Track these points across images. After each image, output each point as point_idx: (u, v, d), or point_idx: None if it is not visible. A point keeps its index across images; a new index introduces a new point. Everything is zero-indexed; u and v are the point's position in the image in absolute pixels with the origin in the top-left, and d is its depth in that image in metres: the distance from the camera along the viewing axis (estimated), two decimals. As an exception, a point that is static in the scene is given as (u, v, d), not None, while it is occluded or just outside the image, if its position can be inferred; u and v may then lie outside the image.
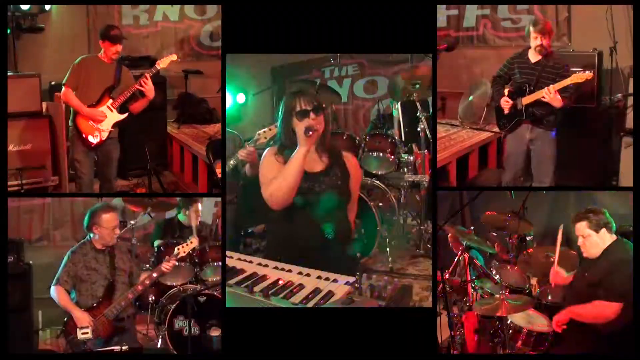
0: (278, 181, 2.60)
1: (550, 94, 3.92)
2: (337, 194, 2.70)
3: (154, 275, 3.52)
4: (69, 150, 4.39)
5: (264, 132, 2.98)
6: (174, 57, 4.31)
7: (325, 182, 2.70)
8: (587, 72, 3.90)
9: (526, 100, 4.10)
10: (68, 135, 4.38)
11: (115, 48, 4.18)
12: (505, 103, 4.20)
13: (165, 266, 3.53)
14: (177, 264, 3.60)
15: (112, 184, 4.44)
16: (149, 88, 4.18)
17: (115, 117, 4.23)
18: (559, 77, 4.00)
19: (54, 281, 3.47)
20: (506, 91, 4.23)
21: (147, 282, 3.51)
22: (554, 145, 4.18)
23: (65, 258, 3.51)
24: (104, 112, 4.21)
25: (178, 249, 3.60)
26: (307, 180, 2.66)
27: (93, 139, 4.22)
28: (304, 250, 2.64)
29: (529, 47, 4.14)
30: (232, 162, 3.66)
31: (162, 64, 4.24)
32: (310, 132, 2.57)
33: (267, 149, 2.82)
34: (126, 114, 4.27)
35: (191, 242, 3.65)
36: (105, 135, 4.23)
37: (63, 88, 4.21)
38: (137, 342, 3.76)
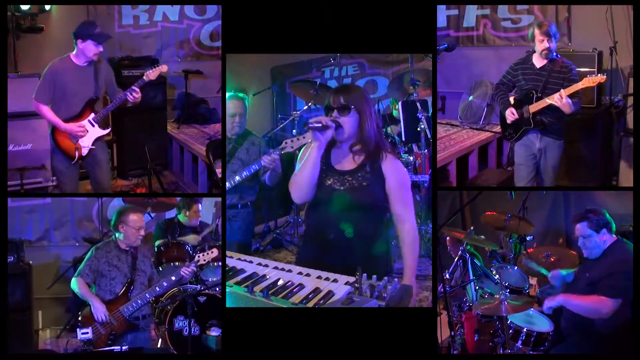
0: (295, 175, 2.64)
1: (562, 99, 3.75)
2: (361, 195, 2.60)
3: (173, 278, 3.59)
4: (51, 158, 4.09)
5: (292, 140, 2.95)
6: (165, 68, 4.01)
7: (349, 182, 2.62)
8: (599, 75, 3.77)
9: (534, 108, 3.92)
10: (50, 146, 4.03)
11: (97, 49, 3.78)
12: (511, 115, 4.02)
13: (185, 271, 3.60)
14: (195, 270, 3.71)
15: (106, 187, 4.19)
16: (138, 99, 3.89)
17: (97, 132, 3.93)
18: (566, 81, 3.85)
19: (76, 273, 3.56)
20: (512, 99, 4.08)
21: (165, 283, 3.58)
22: (562, 154, 4.07)
23: (89, 253, 3.60)
24: (84, 127, 3.88)
25: (199, 256, 3.69)
26: (332, 177, 2.63)
27: (74, 155, 3.92)
28: (326, 248, 2.61)
29: (533, 52, 4.00)
30: (254, 166, 3.68)
31: (151, 76, 3.92)
32: (310, 125, 2.50)
33: (306, 145, 2.77)
34: (109, 129, 4.02)
35: (212, 252, 3.72)
36: (86, 151, 3.92)
37: (33, 102, 3.82)
38: (153, 345, 3.85)
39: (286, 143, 3.02)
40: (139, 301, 3.52)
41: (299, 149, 2.86)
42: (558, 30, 4.09)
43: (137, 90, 3.86)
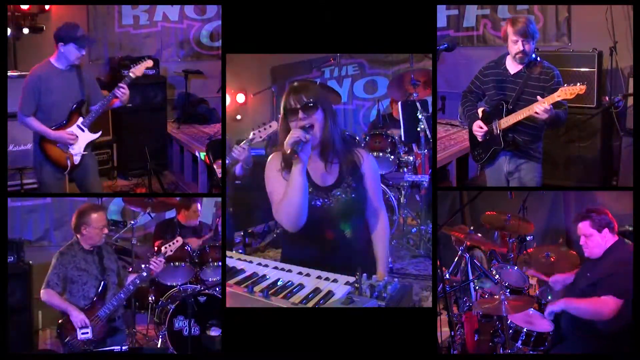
0: (285, 206, 2.37)
1: (547, 112, 3.10)
2: (354, 207, 2.49)
3: (144, 274, 3.48)
4: (35, 170, 3.89)
5: (259, 131, 2.88)
6: (150, 63, 3.86)
7: (338, 197, 2.46)
8: (578, 84, 3.10)
9: (505, 122, 3.29)
10: (34, 159, 3.83)
11: (80, 54, 3.63)
12: (479, 130, 3.40)
13: (154, 265, 3.48)
14: (164, 262, 3.55)
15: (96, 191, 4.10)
16: (126, 96, 3.76)
17: (87, 137, 3.76)
18: (548, 91, 3.21)
19: (44, 284, 3.37)
20: (480, 112, 3.47)
21: (137, 281, 3.47)
22: (539, 180, 3.42)
23: (54, 260, 3.42)
24: (74, 134, 3.72)
25: (165, 247, 3.60)
26: (319, 197, 2.46)
27: (64, 165, 3.75)
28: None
29: (507, 54, 3.40)
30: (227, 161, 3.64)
31: (137, 72, 3.79)
32: (297, 147, 2.26)
33: (269, 158, 2.55)
34: (99, 133, 3.84)
35: (176, 241, 3.65)
36: (77, 159, 3.76)
37: (18, 115, 3.66)
38: (132, 342, 3.77)
39: (254, 134, 2.97)
40: (115, 302, 3.38)
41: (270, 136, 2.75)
42: (556, 30, 3.84)
43: (124, 86, 3.72)
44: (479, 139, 3.46)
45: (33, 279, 4.32)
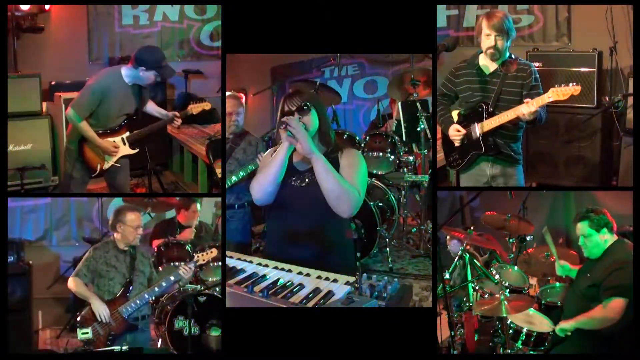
0: (259, 175, 2.61)
1: (532, 114, 2.96)
2: (318, 190, 2.54)
3: (172, 279, 3.56)
4: (66, 164, 3.95)
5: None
6: (208, 106, 4.06)
7: (309, 178, 2.59)
8: (571, 85, 2.96)
9: (487, 125, 3.15)
10: (66, 155, 3.93)
11: (155, 79, 3.73)
12: (456, 133, 3.25)
13: (183, 271, 3.57)
14: (194, 269, 3.65)
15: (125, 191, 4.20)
16: (178, 126, 4.01)
17: (126, 150, 3.91)
18: (526, 88, 3.11)
19: (73, 273, 3.51)
20: (455, 115, 3.33)
21: (164, 284, 3.54)
22: (523, 181, 3.34)
23: (87, 253, 3.56)
24: (117, 145, 3.84)
25: (197, 256, 3.69)
26: (293, 176, 2.62)
27: (94, 168, 3.87)
28: (299, 248, 2.59)
29: (480, 53, 3.25)
30: (250, 167, 3.69)
31: (194, 110, 4.00)
32: (283, 126, 2.46)
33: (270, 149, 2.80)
34: (136, 150, 3.94)
35: (212, 252, 3.72)
36: (107, 166, 3.89)
37: (72, 113, 3.67)
38: (152, 345, 3.85)
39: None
40: (138, 301, 3.49)
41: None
42: (556, 30, 3.73)
43: (180, 119, 3.91)
44: (456, 143, 3.31)
45: (33, 279, 4.33)
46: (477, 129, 3.19)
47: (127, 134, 3.88)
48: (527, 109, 3.00)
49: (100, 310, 3.40)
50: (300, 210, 2.60)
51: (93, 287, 3.49)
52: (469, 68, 3.30)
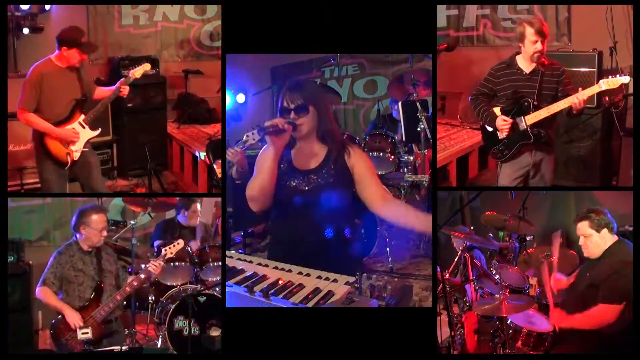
0: (253, 181, 2.56)
1: (581, 105, 3.35)
2: (330, 191, 2.56)
3: (142, 276, 3.47)
4: (37, 167, 3.95)
5: (252, 133, 2.90)
6: (148, 66, 4.06)
7: (315, 181, 2.56)
8: (618, 76, 3.39)
9: (535, 117, 3.48)
10: (35, 161, 3.92)
11: (82, 57, 3.73)
12: (504, 123, 3.55)
13: (152, 267, 3.47)
14: (164, 264, 3.54)
15: (100, 191, 4.18)
16: (126, 93, 3.94)
17: (87, 134, 3.85)
18: (560, 84, 3.51)
19: (40, 282, 3.39)
20: (498, 111, 3.61)
21: (135, 283, 3.45)
22: (554, 168, 3.71)
23: (52, 259, 3.44)
24: (76, 131, 3.80)
25: (165, 250, 3.58)
26: (296, 179, 2.57)
27: (65, 161, 3.82)
28: (305, 253, 2.56)
29: (516, 54, 3.59)
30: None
31: (136, 74, 3.95)
32: (271, 129, 2.39)
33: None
34: (99, 131, 3.92)
35: (178, 244, 3.62)
36: (77, 155, 3.84)
37: (19, 112, 3.70)
38: (132, 342, 3.79)
39: (247, 136, 2.98)
40: (111, 304, 3.37)
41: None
42: (556, 30, 3.98)
43: (127, 87, 3.89)
44: (504, 133, 3.58)
45: (33, 279, 4.31)
46: (524, 121, 3.51)
47: (82, 117, 3.83)
48: (580, 97, 3.37)
49: (74, 319, 3.29)
50: (304, 214, 2.56)
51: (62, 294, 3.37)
52: (509, 68, 3.58)
